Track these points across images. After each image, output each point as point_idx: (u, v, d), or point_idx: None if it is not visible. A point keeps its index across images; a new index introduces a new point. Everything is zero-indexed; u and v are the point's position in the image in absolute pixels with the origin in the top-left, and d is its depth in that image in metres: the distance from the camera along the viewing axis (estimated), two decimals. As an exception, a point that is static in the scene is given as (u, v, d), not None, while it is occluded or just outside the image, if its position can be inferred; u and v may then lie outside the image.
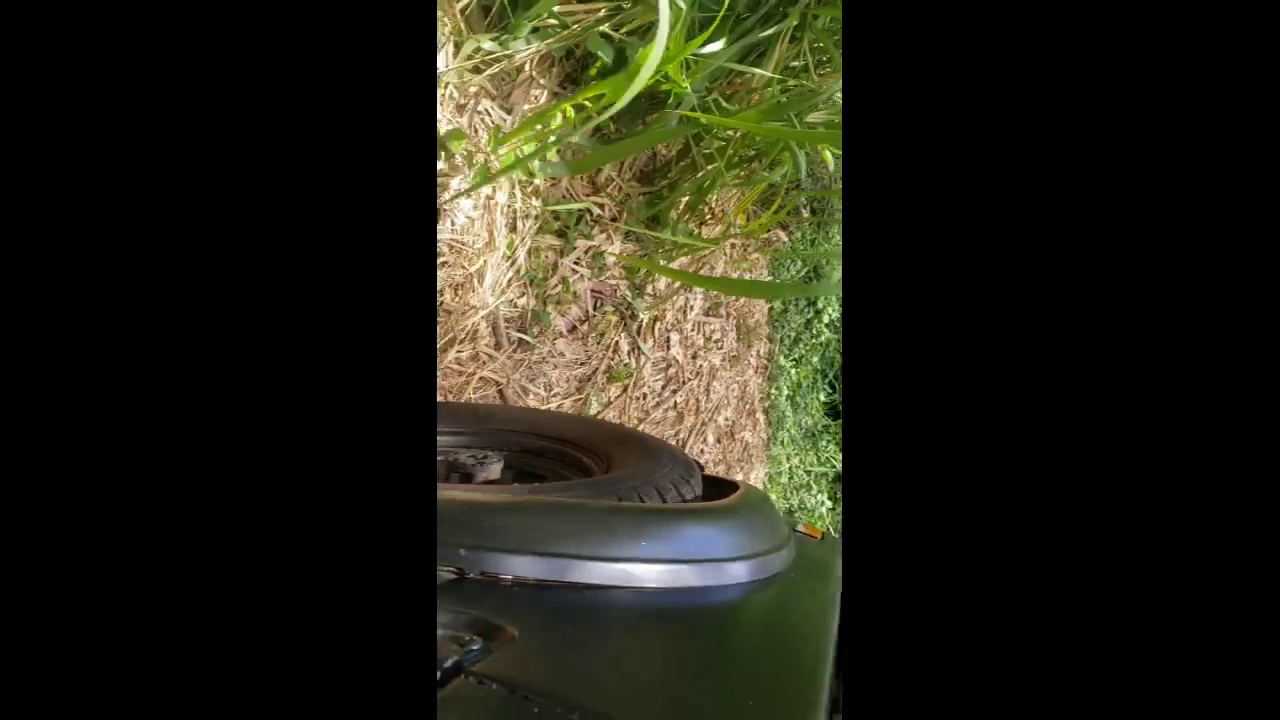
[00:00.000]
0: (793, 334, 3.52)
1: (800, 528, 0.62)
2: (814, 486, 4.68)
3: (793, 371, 3.70)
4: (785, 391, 3.67)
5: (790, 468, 4.37)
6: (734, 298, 2.23)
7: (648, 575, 0.39)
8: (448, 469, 0.69)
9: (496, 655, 0.30)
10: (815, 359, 3.91)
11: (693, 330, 2.14)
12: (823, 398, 4.51)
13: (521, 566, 0.37)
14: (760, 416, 3.27)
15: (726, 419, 2.54)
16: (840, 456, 4.68)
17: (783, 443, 3.92)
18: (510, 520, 0.38)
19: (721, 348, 2.31)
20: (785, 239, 2.66)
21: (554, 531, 0.38)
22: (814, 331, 3.72)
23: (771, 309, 3.23)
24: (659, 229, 1.52)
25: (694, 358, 2.11)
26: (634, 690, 0.29)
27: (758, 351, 2.92)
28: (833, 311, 3.73)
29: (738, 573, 0.43)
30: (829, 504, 4.93)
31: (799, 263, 2.80)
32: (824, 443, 4.66)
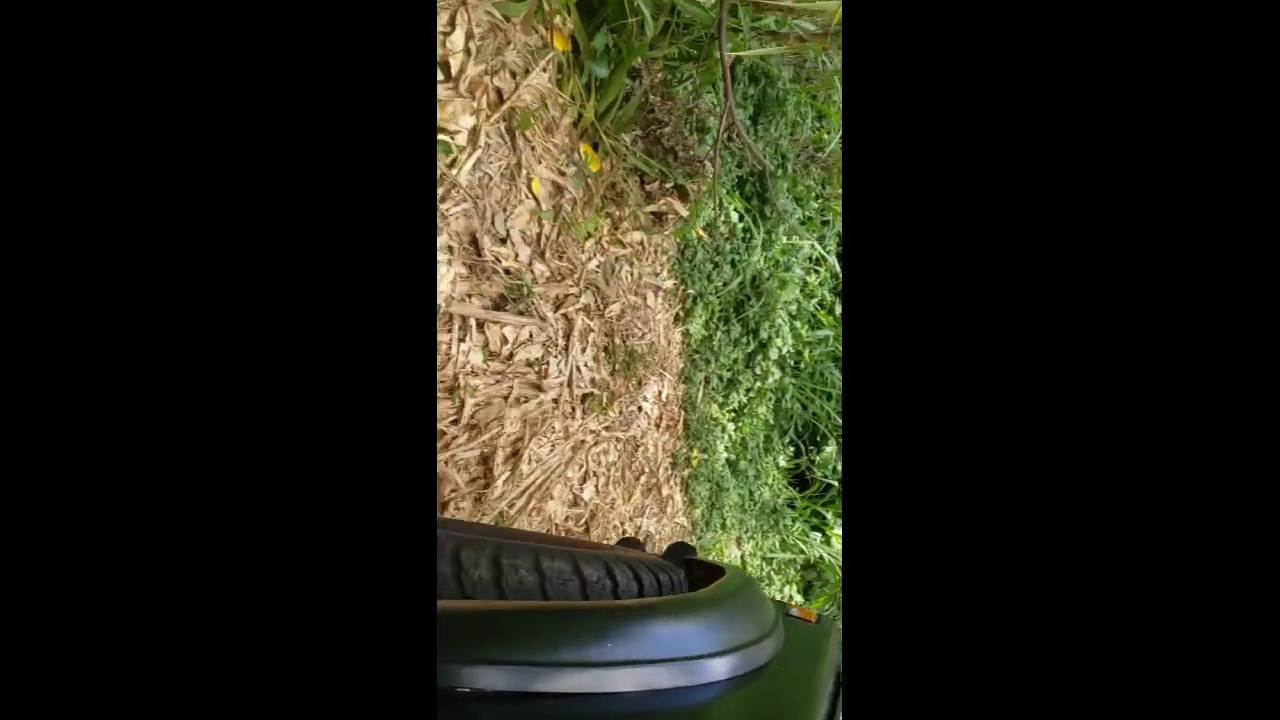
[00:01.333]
0: (724, 371, 2.52)
1: (793, 611, 0.57)
2: (777, 578, 3.58)
3: (730, 427, 2.68)
4: (721, 453, 2.64)
5: (741, 556, 3.29)
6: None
7: (618, 680, 0.35)
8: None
9: None
10: (764, 408, 2.89)
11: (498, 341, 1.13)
12: (782, 461, 3.47)
13: (480, 678, 0.33)
14: (674, 492, 2.22)
15: (589, 497, 1.45)
16: (809, 537, 3.40)
17: (723, 525, 2.86)
18: (465, 627, 0.35)
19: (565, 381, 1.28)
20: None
21: (512, 638, 0.34)
22: (759, 370, 2.73)
23: (686, 332, 2.24)
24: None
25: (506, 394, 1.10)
26: None
27: (658, 393, 1.84)
28: (784, 342, 2.75)
29: (718, 669, 0.38)
30: (800, 599, 3.82)
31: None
32: (788, 521, 3.58)
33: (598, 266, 1.51)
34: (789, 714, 0.38)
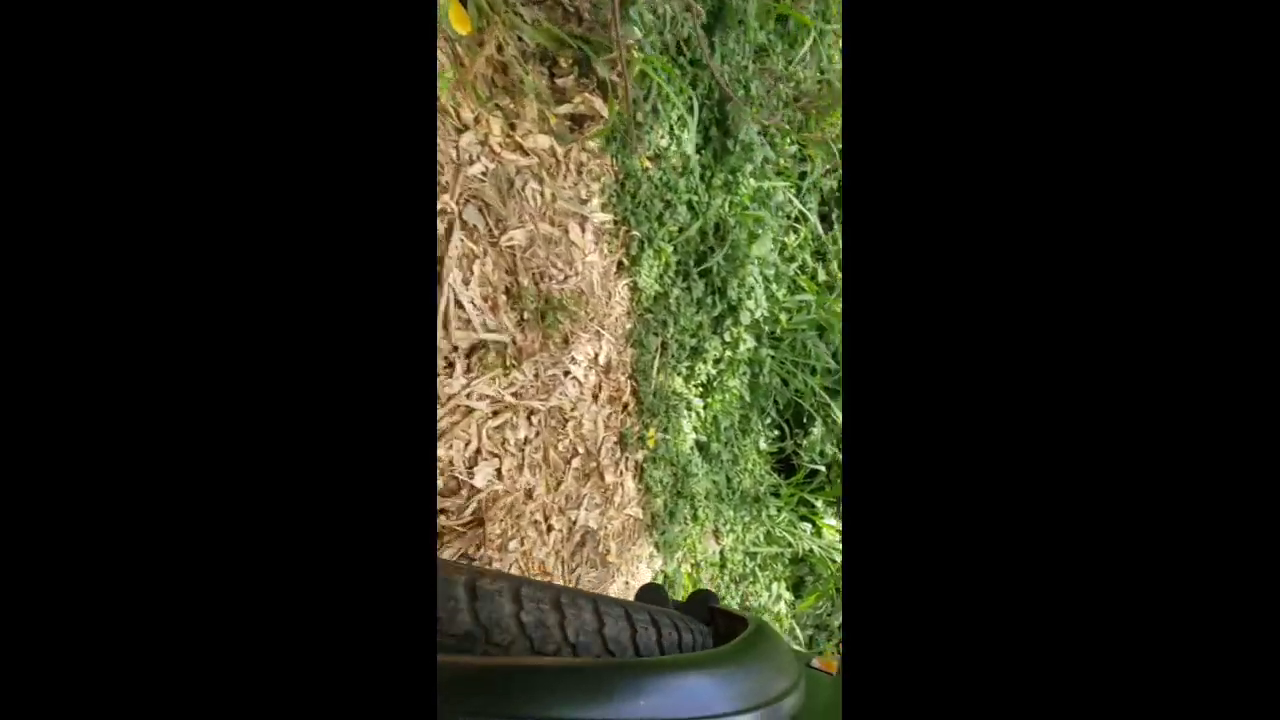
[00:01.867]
0: (686, 337, 2.14)
1: (815, 663, 0.57)
2: (761, 575, 3.22)
3: (697, 404, 2.32)
4: (687, 434, 2.27)
5: (720, 551, 2.92)
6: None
7: None
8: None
9: None
10: (737, 382, 2.53)
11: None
12: (763, 444, 3.11)
13: None
14: (622, 479, 1.85)
15: (483, 483, 1.01)
16: (797, 528, 3.04)
17: (694, 516, 2.49)
18: (492, 685, 0.34)
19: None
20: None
21: (533, 694, 0.33)
22: (729, 337, 2.37)
23: (634, 285, 1.87)
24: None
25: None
26: None
27: (593, 357, 1.43)
28: (757, 305, 2.38)
29: None
30: (789, 597, 3.47)
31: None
32: (772, 510, 3.22)
33: (484, 174, 1.14)
34: None
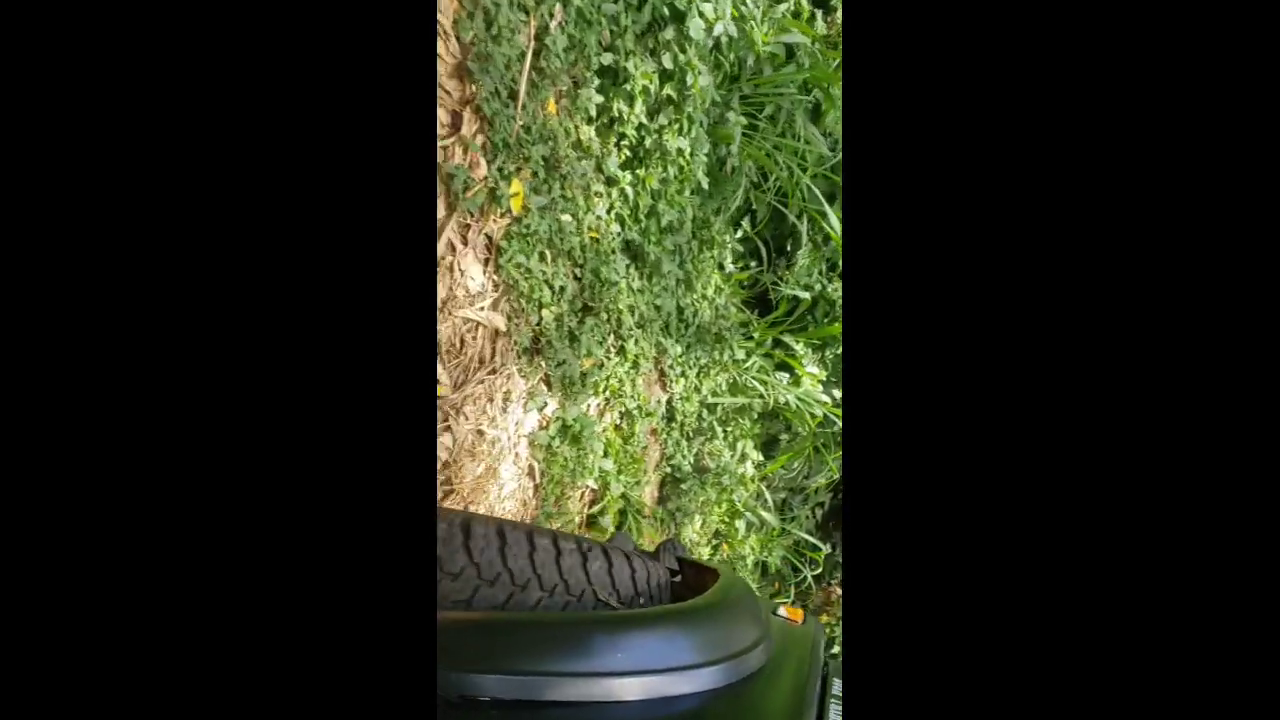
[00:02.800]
0: (589, 39, 1.27)
1: (781, 612, 0.59)
2: (724, 430, 2.59)
3: (620, 173, 1.49)
4: (600, 216, 1.47)
5: (667, 401, 2.25)
6: None
7: (625, 689, 0.37)
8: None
9: None
10: (687, 149, 1.67)
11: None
12: (729, 262, 2.33)
13: (497, 686, 0.35)
14: (462, 261, 1.05)
15: None
16: (771, 377, 2.19)
17: (620, 350, 1.76)
18: (484, 639, 0.37)
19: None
20: None
21: (527, 649, 0.36)
22: (670, 61, 1.49)
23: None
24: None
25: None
26: None
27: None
28: (718, 13, 1.48)
29: (717, 676, 0.40)
30: (757, 458, 2.87)
31: None
32: (739, 354, 2.52)
33: None
34: (782, 715, 0.39)
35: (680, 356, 2.15)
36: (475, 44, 0.99)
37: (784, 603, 0.60)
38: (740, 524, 3.07)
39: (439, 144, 0.97)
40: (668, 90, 1.46)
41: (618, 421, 1.85)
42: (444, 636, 0.33)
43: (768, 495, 3.32)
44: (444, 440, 1.07)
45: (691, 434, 2.40)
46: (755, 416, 2.69)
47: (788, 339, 2.68)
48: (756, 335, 2.58)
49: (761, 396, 2.57)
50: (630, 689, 0.37)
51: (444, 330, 1.00)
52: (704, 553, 3.01)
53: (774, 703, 0.41)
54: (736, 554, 3.13)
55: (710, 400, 2.40)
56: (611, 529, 1.69)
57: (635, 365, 1.84)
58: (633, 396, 1.85)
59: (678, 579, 0.58)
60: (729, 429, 2.63)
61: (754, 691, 0.41)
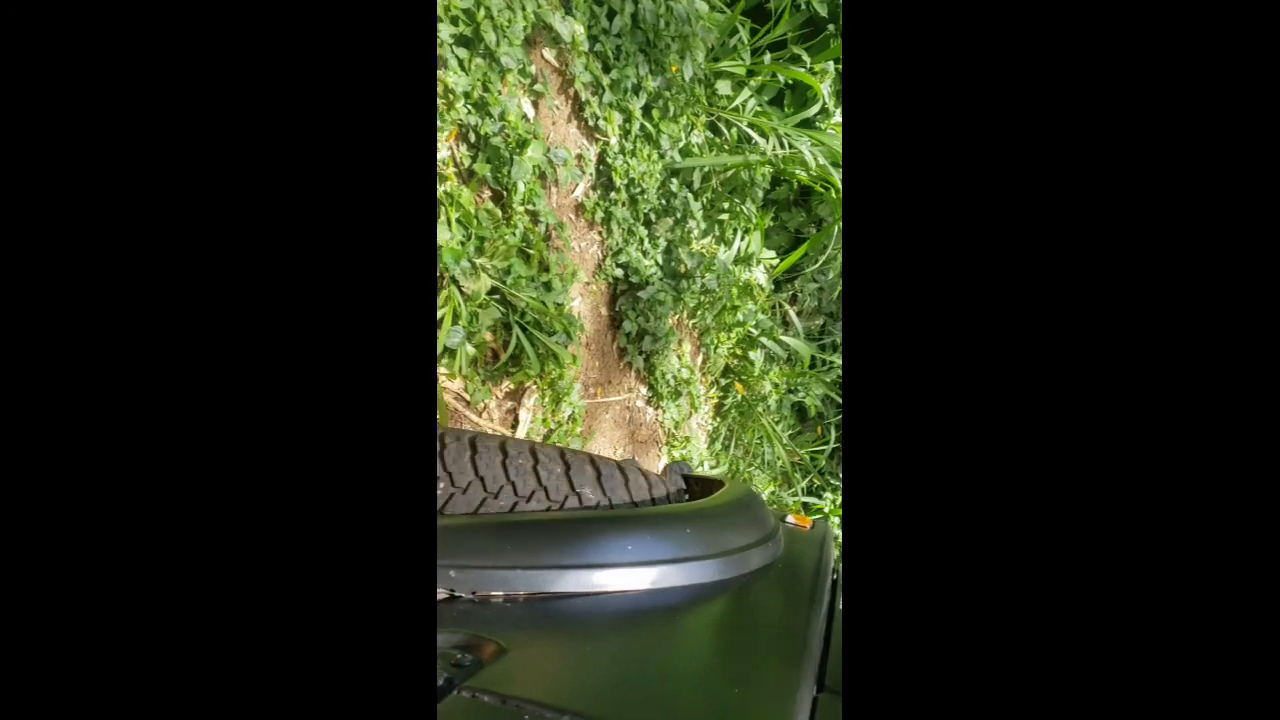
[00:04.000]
0: None
1: (790, 519, 0.59)
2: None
3: None
4: None
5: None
6: None
7: (632, 579, 0.38)
8: None
9: (488, 670, 0.31)
10: None
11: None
12: None
13: (510, 582, 0.37)
14: None
15: None
16: None
17: None
18: (496, 538, 0.38)
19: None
20: None
21: (539, 545, 0.38)
22: None
23: None
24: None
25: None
26: (620, 690, 0.30)
27: None
28: None
29: (723, 569, 0.41)
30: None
31: None
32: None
33: None
34: (790, 610, 0.39)
35: (613, 81, 1.28)
36: None
37: (794, 511, 0.62)
38: (757, 355, 2.34)
39: None
40: None
41: (467, 164, 1.02)
42: (459, 537, 0.37)
43: (792, 314, 2.53)
44: None
45: (655, 215, 1.57)
46: (760, 195, 1.84)
47: (796, 68, 1.74)
48: (748, 58, 1.65)
49: (763, 154, 1.69)
50: (635, 579, 0.38)
51: None
52: (713, 394, 2.34)
53: (774, 594, 0.42)
54: (756, 393, 2.43)
55: (679, 163, 1.54)
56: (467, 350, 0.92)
57: (503, 75, 0.99)
58: (506, 123, 1.01)
59: (687, 497, 0.55)
60: (721, 214, 1.80)
61: (762, 584, 0.42)
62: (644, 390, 1.77)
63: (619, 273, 1.49)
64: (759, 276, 2.05)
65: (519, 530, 0.39)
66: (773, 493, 2.52)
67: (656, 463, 1.87)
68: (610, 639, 0.34)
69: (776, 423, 2.50)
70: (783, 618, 0.39)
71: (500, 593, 0.36)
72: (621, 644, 0.34)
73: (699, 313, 1.99)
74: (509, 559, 0.37)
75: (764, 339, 2.24)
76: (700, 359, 2.27)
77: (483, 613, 0.35)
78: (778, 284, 2.83)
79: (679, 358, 1.87)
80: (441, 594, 0.36)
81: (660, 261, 1.59)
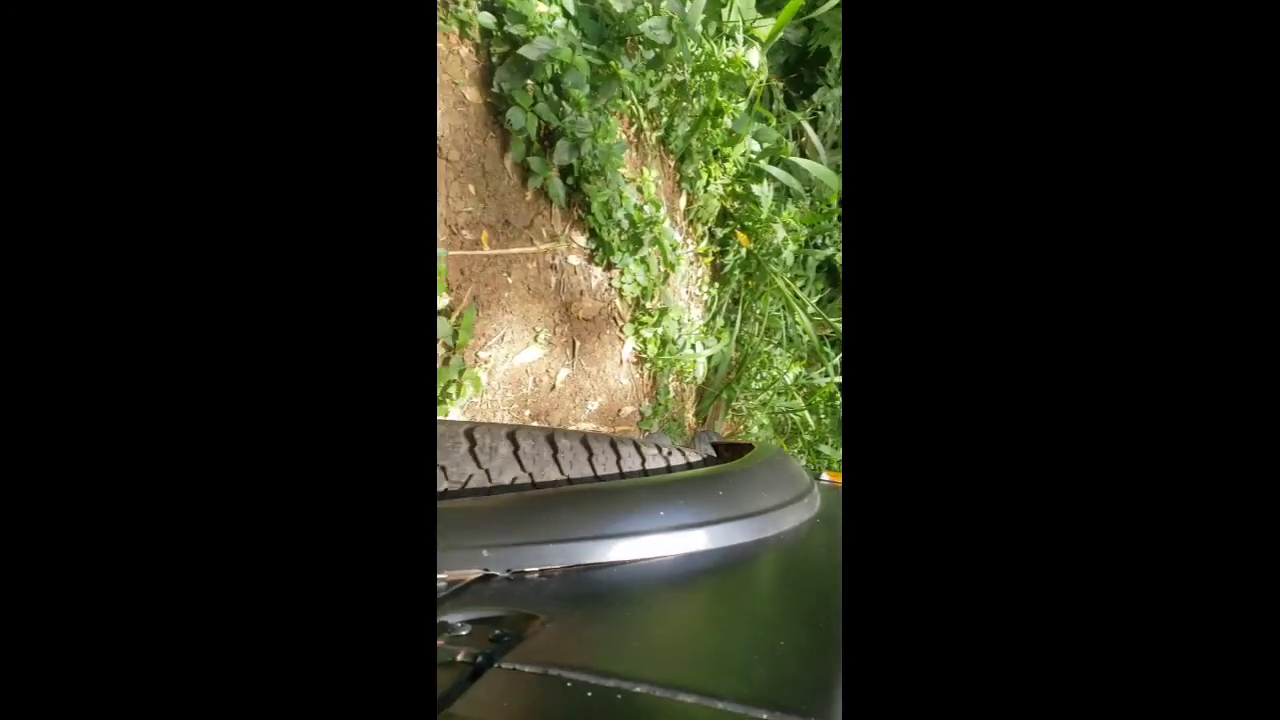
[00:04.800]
0: None
1: (825, 476, 0.59)
2: None
3: None
4: None
5: None
6: None
7: (665, 545, 0.38)
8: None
9: (527, 643, 0.31)
10: None
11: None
12: None
13: (544, 556, 0.37)
14: None
15: None
16: None
17: None
18: (527, 515, 0.38)
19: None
20: None
21: (568, 518, 0.38)
22: None
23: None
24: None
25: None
26: (661, 655, 0.30)
27: None
28: None
29: (757, 529, 0.41)
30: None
31: None
32: None
33: None
34: (828, 564, 0.39)
35: None
36: None
37: (827, 468, 0.59)
38: (763, 189, 1.68)
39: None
40: None
41: None
42: (489, 516, 0.37)
43: (814, 137, 1.82)
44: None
45: None
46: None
47: None
48: None
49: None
50: (669, 544, 0.38)
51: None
52: (706, 250, 1.72)
53: (821, 547, 0.42)
54: (766, 246, 1.80)
55: None
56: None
57: None
58: None
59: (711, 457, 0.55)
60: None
61: (799, 541, 0.42)
62: (580, 240, 1.17)
63: (487, 19, 0.84)
64: (751, 57, 1.36)
65: (550, 504, 0.39)
66: (800, 374, 1.96)
67: (619, 349, 1.30)
68: (648, 606, 0.34)
69: (799, 285, 1.89)
70: (819, 575, 0.38)
71: (535, 568, 0.36)
72: (660, 610, 0.34)
73: (666, 118, 1.34)
74: (541, 534, 0.37)
75: (768, 166, 1.58)
76: (683, 199, 1.64)
77: (519, 589, 0.35)
78: (790, 101, 2.10)
79: (639, 188, 1.24)
80: (476, 573, 0.36)
81: (567, 3, 0.92)
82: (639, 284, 1.27)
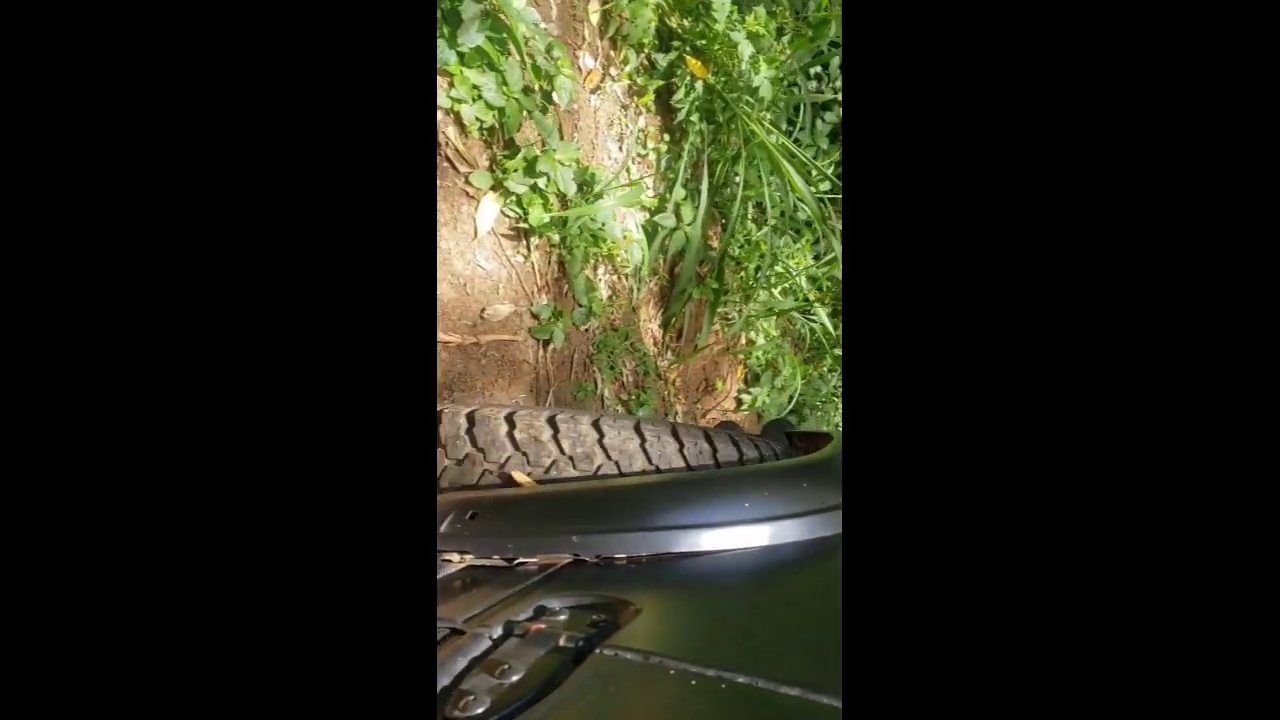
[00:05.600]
0: None
1: None
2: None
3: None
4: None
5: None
6: None
7: (751, 535, 0.38)
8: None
9: (626, 630, 0.31)
10: None
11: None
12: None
13: (633, 544, 0.37)
14: None
15: None
16: None
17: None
18: (615, 501, 0.39)
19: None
20: None
21: (658, 506, 0.38)
22: None
23: None
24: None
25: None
26: (757, 644, 0.30)
27: None
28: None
29: (840, 520, 0.41)
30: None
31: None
32: None
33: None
34: None
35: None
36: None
37: None
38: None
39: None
40: None
41: None
42: (578, 502, 0.38)
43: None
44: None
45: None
46: None
47: None
48: None
49: None
50: (756, 535, 0.38)
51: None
52: (630, 78, 1.18)
53: None
54: (732, 74, 1.25)
55: None
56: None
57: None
58: None
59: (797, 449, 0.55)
60: None
61: None
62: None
63: None
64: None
65: (638, 493, 0.39)
66: (808, 266, 1.46)
67: (468, 212, 0.84)
68: (739, 595, 0.34)
69: (782, 129, 1.35)
70: None
71: (623, 555, 0.36)
72: (752, 600, 0.34)
73: None
74: (630, 522, 0.37)
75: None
76: (595, 2, 1.12)
77: (609, 575, 0.35)
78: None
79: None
80: (566, 558, 0.37)
81: None
82: (488, 105, 0.80)
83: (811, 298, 1.43)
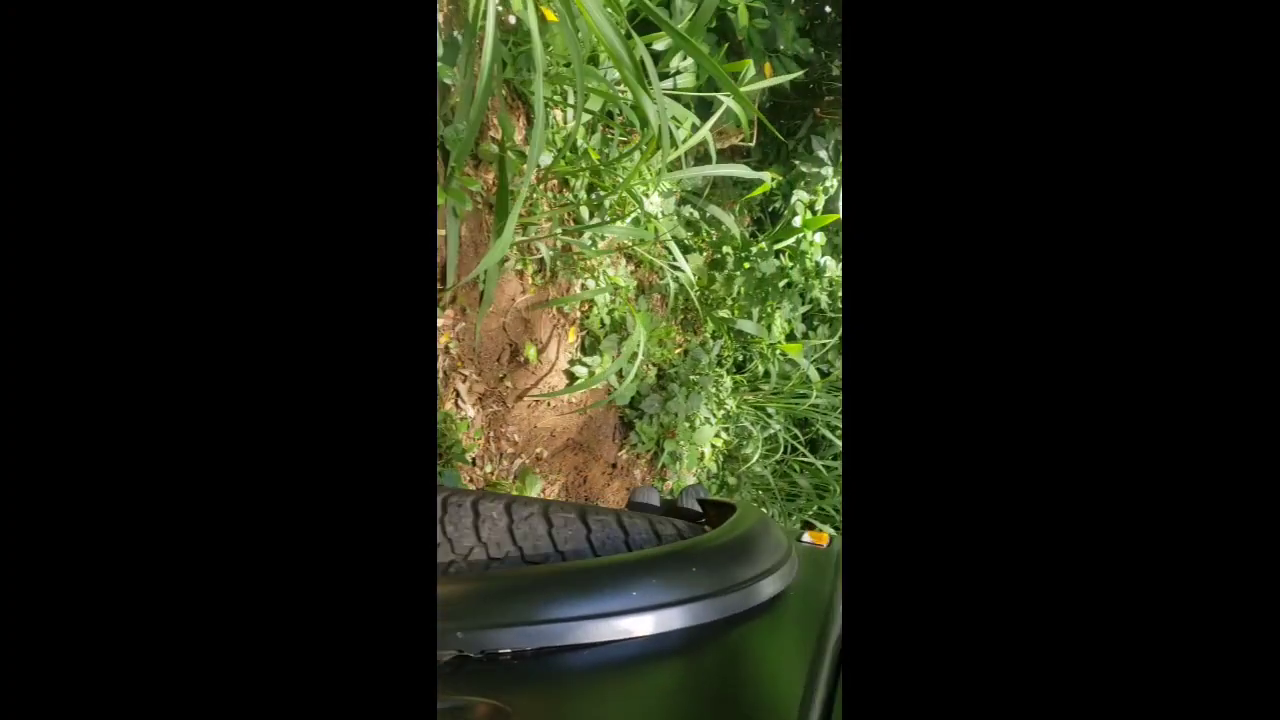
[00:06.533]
0: None
1: (805, 538, 0.58)
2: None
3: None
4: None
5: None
6: None
7: (638, 625, 0.38)
8: None
9: None
10: None
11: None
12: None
13: (516, 639, 0.37)
14: None
15: None
16: None
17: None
18: (498, 596, 0.39)
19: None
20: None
21: (541, 598, 0.38)
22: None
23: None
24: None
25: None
26: None
27: None
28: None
29: (734, 603, 0.41)
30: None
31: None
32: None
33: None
34: (804, 636, 0.40)
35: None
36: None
37: (807, 530, 0.58)
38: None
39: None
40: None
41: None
42: (458, 600, 0.37)
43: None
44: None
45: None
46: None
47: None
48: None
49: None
50: (642, 624, 0.37)
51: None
52: None
53: (797, 618, 0.42)
54: None
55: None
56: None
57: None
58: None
59: (703, 522, 0.58)
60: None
61: (776, 612, 0.42)
62: None
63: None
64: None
65: (521, 586, 0.39)
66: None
67: None
68: (618, 688, 0.35)
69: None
70: (788, 657, 0.38)
71: (508, 650, 0.36)
72: (621, 699, 0.34)
73: None
74: (513, 615, 0.37)
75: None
76: None
77: (490, 672, 0.35)
78: None
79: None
80: (448, 655, 0.36)
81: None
82: None
83: (663, 231, 1.18)
